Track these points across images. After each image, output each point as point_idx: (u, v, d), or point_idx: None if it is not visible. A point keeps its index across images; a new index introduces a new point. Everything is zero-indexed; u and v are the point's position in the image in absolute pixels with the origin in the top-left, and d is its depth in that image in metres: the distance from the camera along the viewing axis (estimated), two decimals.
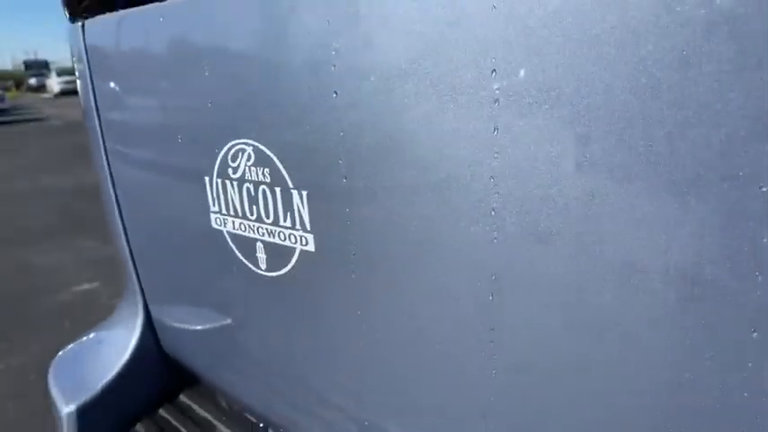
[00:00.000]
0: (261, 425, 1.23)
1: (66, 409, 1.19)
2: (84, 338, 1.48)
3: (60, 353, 1.44)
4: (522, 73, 0.52)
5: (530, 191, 0.55)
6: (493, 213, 0.59)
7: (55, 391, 1.27)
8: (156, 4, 0.90)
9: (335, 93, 0.68)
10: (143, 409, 1.30)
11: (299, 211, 0.78)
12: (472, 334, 0.65)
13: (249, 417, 1.26)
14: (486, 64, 0.54)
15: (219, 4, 0.79)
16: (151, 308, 1.30)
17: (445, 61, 0.57)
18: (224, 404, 1.34)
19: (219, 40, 0.82)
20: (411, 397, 0.78)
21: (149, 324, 1.32)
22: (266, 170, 0.80)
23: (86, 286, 3.99)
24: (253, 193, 0.84)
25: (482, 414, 0.69)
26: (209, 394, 1.38)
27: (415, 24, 0.59)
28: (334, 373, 0.90)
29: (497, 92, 0.54)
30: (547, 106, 0.52)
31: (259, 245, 0.87)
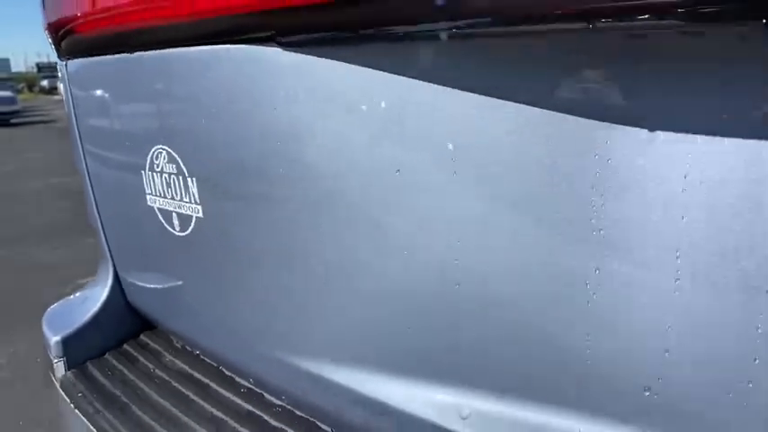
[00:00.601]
0: (197, 353, 1.68)
1: (54, 338, 1.65)
2: (71, 296, 1.95)
3: (52, 306, 1.91)
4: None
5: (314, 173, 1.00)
6: (304, 194, 1.04)
7: (46, 330, 1.73)
8: (114, 56, 1.36)
9: (203, 120, 1.13)
10: (111, 343, 1.76)
11: (192, 191, 1.23)
12: (303, 260, 1.10)
13: (191, 349, 1.72)
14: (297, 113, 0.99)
15: (141, 68, 1.26)
16: (118, 268, 1.76)
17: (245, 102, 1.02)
18: (175, 342, 1.79)
19: (144, 83, 1.28)
20: (290, 314, 1.22)
21: (117, 281, 1.78)
22: (174, 165, 1.26)
23: (90, 279, 4.42)
24: (168, 181, 1.29)
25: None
26: (164, 334, 1.83)
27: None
28: (233, 306, 1.34)
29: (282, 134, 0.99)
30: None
31: (174, 215, 1.32)
